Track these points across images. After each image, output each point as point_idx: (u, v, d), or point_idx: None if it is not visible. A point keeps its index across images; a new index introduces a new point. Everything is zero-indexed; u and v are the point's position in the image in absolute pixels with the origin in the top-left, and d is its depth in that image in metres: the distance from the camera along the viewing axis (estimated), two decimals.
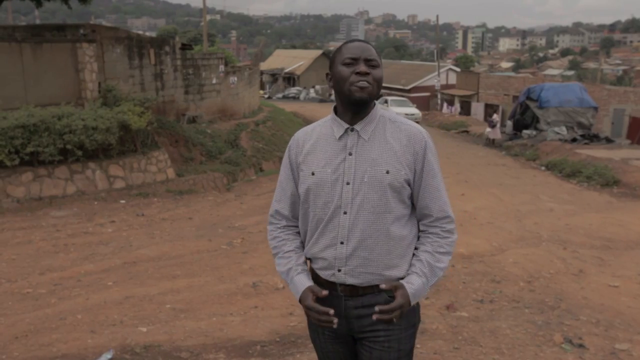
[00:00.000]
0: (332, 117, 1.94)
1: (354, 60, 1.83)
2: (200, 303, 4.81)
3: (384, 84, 2.00)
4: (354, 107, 1.86)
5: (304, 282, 1.91)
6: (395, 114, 2.00)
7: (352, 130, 1.88)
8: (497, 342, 3.94)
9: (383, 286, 1.82)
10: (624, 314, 4.57)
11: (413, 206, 1.94)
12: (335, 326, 1.83)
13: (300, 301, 1.90)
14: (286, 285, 5.14)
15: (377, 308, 1.79)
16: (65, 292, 5.19)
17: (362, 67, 1.81)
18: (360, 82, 1.81)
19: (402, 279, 1.87)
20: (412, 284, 1.83)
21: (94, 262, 6.25)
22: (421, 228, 1.96)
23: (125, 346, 3.84)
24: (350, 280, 1.86)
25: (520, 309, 4.65)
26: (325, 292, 1.86)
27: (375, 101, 1.94)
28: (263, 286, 5.22)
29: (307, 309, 1.86)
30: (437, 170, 1.92)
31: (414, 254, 1.91)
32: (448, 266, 1.92)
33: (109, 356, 3.67)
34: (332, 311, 1.83)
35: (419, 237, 1.96)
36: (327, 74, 1.94)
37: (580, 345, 3.90)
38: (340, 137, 1.89)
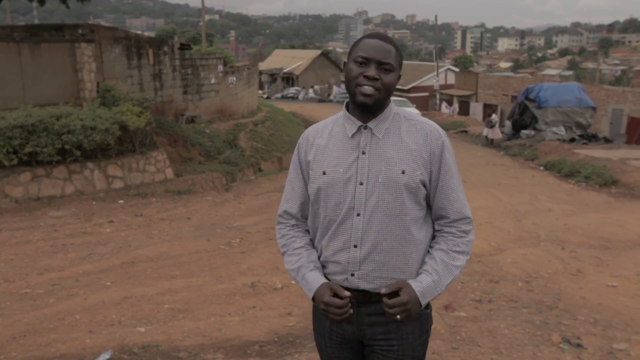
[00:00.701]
0: (345, 114, 1.85)
1: (366, 61, 1.73)
2: (199, 303, 4.81)
3: None
4: (360, 109, 1.80)
5: (318, 278, 1.82)
6: (409, 111, 1.92)
7: (366, 128, 1.80)
8: (495, 342, 3.95)
9: (383, 291, 1.74)
10: (622, 314, 4.57)
11: (428, 207, 1.88)
12: (349, 314, 1.78)
13: (314, 298, 1.81)
14: (285, 285, 5.18)
15: (384, 299, 1.73)
16: (63, 292, 5.18)
17: (372, 72, 1.72)
18: (365, 88, 1.72)
19: None
20: (420, 282, 1.76)
21: (92, 262, 6.25)
22: (437, 227, 1.89)
23: (124, 346, 3.84)
24: (363, 285, 1.79)
25: (519, 308, 4.66)
26: (347, 293, 1.77)
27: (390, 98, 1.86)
28: (261, 286, 5.22)
29: (325, 305, 1.76)
30: (455, 170, 1.86)
31: (428, 253, 1.85)
32: (464, 265, 1.85)
33: (107, 356, 3.66)
34: (347, 299, 1.76)
35: (433, 237, 1.89)
36: (344, 63, 1.86)
37: (578, 345, 3.90)
38: (353, 135, 1.81)
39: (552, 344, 3.92)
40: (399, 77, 1.81)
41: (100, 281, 5.53)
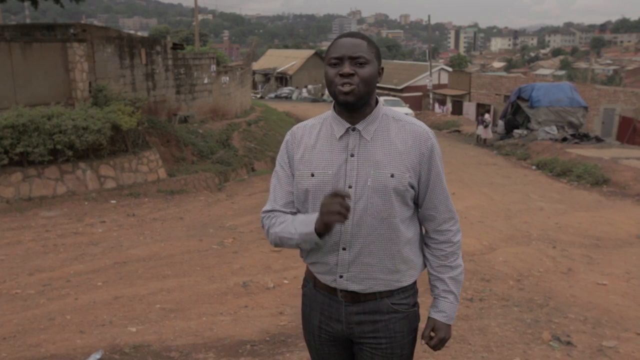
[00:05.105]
0: (332, 114, 1.82)
1: (339, 60, 1.72)
2: (191, 303, 4.80)
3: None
4: (345, 108, 1.77)
5: (312, 214, 1.75)
6: (398, 112, 1.90)
7: (354, 129, 1.77)
8: (486, 340, 3.96)
9: (423, 342, 1.92)
10: (612, 312, 4.61)
11: (415, 206, 1.87)
12: (348, 218, 1.65)
13: (321, 214, 1.66)
14: (277, 285, 5.18)
15: (424, 342, 1.91)
16: (54, 293, 5.16)
17: (346, 69, 1.70)
18: (344, 86, 1.70)
19: (405, 285, 1.85)
20: (445, 312, 1.89)
21: (84, 263, 6.22)
22: (429, 235, 1.91)
23: (115, 346, 3.83)
24: (352, 287, 1.80)
25: (510, 307, 4.68)
26: (348, 193, 1.67)
27: (378, 97, 1.85)
28: (253, 286, 5.22)
29: (329, 203, 1.63)
30: (442, 171, 1.86)
31: (431, 273, 1.92)
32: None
33: (98, 356, 3.65)
34: (349, 192, 1.70)
35: (426, 244, 1.92)
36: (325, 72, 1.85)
37: (568, 343, 3.92)
38: (341, 137, 1.78)
39: (542, 342, 3.94)
40: (381, 69, 1.79)
41: (91, 281, 5.50)
